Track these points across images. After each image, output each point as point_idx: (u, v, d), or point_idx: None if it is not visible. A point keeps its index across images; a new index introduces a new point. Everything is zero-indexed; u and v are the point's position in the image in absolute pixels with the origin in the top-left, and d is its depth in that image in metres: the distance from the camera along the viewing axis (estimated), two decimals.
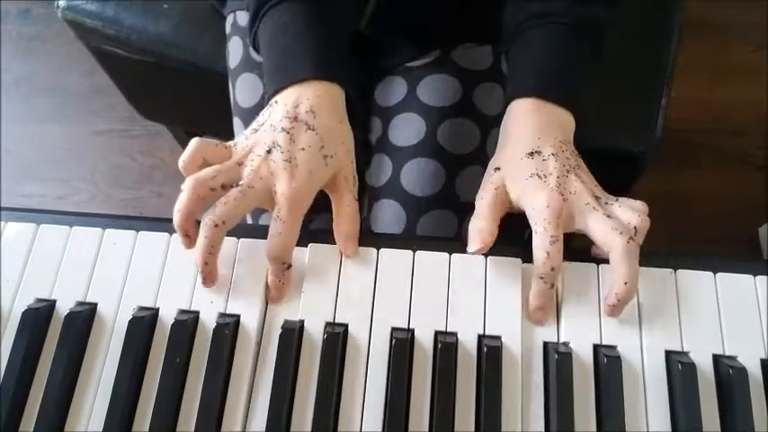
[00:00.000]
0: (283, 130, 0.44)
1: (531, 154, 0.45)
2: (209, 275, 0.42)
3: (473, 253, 0.43)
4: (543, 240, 0.41)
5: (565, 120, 0.48)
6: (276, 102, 0.47)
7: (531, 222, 0.43)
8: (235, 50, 0.67)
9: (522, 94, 0.49)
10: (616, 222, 0.41)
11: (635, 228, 0.41)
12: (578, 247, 0.44)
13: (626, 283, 0.40)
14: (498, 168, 0.47)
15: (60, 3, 0.84)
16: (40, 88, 1.45)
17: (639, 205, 0.44)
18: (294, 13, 0.49)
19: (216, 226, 0.41)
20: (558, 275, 0.41)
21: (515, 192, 0.45)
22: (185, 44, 0.81)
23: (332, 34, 0.50)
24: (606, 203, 0.43)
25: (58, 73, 1.46)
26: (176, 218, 0.42)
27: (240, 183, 0.42)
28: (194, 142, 0.44)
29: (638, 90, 0.79)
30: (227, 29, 0.70)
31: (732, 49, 1.42)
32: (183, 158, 0.44)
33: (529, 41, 0.51)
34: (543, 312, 0.42)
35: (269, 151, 0.43)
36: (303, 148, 0.44)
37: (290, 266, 0.42)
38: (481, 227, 0.43)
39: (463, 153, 0.61)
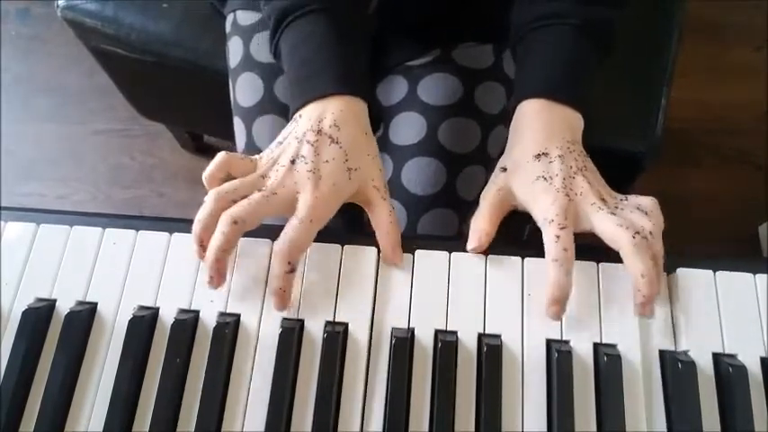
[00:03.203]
0: (308, 142, 0.44)
1: (538, 156, 0.45)
2: (217, 274, 0.41)
3: (470, 251, 0.43)
4: (552, 228, 0.41)
5: (573, 120, 0.48)
6: (300, 116, 0.47)
7: (538, 221, 0.43)
8: (235, 50, 0.67)
9: (530, 95, 0.48)
10: (621, 219, 0.41)
11: (650, 232, 0.41)
12: (578, 245, 0.44)
13: (643, 276, 0.39)
14: (505, 169, 0.47)
15: (60, 2, 0.84)
16: (39, 88, 1.45)
17: (649, 202, 0.44)
18: (315, 25, 0.49)
19: (235, 223, 0.40)
20: (572, 259, 0.41)
21: (522, 194, 0.45)
22: (185, 43, 0.82)
23: (353, 47, 0.50)
24: (616, 207, 0.43)
25: (57, 73, 1.46)
26: (196, 227, 0.42)
27: (264, 188, 0.43)
28: (220, 156, 0.44)
29: (638, 90, 0.79)
30: (228, 28, 0.70)
31: (732, 49, 1.42)
32: (208, 171, 0.44)
33: (536, 42, 0.51)
34: (560, 307, 0.41)
35: (293, 161, 0.44)
36: (327, 161, 0.44)
37: (293, 270, 0.42)
38: (480, 227, 0.44)
39: (464, 152, 0.61)
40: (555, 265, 0.41)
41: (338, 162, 0.44)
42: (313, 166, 0.43)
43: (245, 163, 0.45)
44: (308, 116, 0.46)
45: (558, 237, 0.41)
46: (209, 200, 0.42)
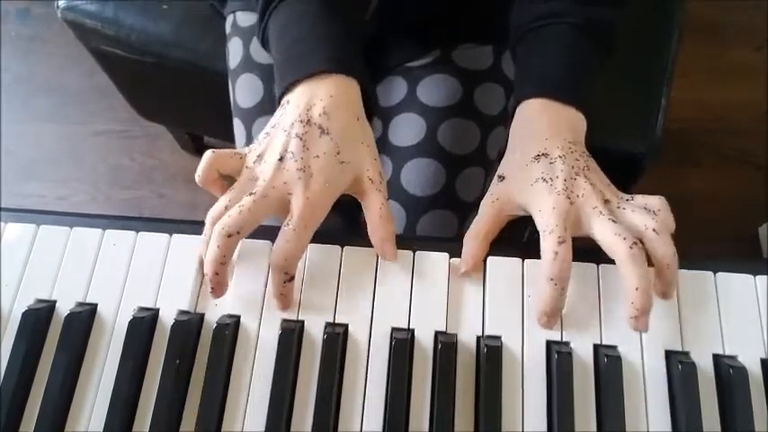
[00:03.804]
0: (296, 135, 0.42)
1: (537, 156, 0.44)
2: (218, 286, 0.41)
3: (461, 275, 0.43)
4: (551, 242, 0.40)
5: (575, 120, 0.47)
6: (288, 101, 0.45)
7: (539, 227, 0.42)
8: (235, 51, 0.67)
9: (530, 94, 0.48)
10: (621, 228, 0.40)
11: (653, 229, 0.40)
12: (578, 247, 0.44)
13: (637, 289, 0.38)
14: (503, 177, 0.46)
15: (60, 3, 0.85)
16: (40, 88, 1.46)
17: (657, 201, 0.43)
18: (306, 5, 0.47)
19: (229, 236, 0.39)
20: (567, 278, 0.40)
21: (522, 198, 0.44)
22: (185, 44, 0.82)
23: (346, 27, 0.48)
24: (618, 207, 0.42)
25: (58, 73, 1.47)
26: (201, 249, 0.42)
27: (254, 192, 0.41)
28: (207, 156, 0.43)
29: (638, 90, 0.79)
30: (227, 29, 0.70)
31: (732, 49, 1.42)
32: (198, 173, 0.43)
33: (536, 42, 0.50)
34: (552, 318, 0.41)
35: (281, 159, 0.42)
36: (318, 156, 0.42)
37: (292, 278, 0.41)
38: (470, 251, 0.43)
39: (463, 153, 0.61)
40: (550, 284, 0.40)
41: (329, 156, 0.42)
42: (303, 163, 0.41)
43: (234, 161, 0.43)
44: (295, 102, 0.44)
45: (556, 254, 0.40)
46: (207, 222, 0.42)
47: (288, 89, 0.45)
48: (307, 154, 0.42)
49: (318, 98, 0.44)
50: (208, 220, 0.42)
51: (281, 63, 0.47)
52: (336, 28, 0.47)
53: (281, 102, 0.46)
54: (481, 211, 0.45)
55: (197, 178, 0.43)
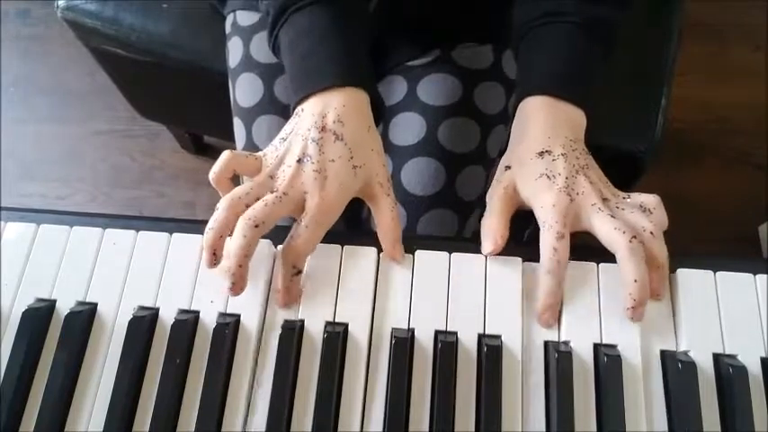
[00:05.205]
0: (312, 140, 0.44)
1: (541, 153, 0.45)
2: (240, 280, 0.41)
3: (488, 254, 0.43)
4: (550, 236, 0.42)
5: (576, 118, 0.48)
6: (303, 110, 0.46)
7: (539, 221, 0.43)
8: (234, 50, 0.67)
9: (533, 92, 0.48)
10: (620, 222, 0.41)
11: (650, 232, 0.41)
12: (578, 245, 0.44)
13: (636, 281, 0.40)
14: (508, 167, 0.47)
15: (60, 3, 0.84)
16: (40, 88, 1.45)
17: (652, 200, 0.44)
18: (316, 17, 0.48)
19: (256, 226, 0.40)
20: (564, 272, 0.41)
21: (525, 191, 0.45)
22: (185, 44, 0.82)
23: (355, 39, 0.49)
24: (617, 206, 0.43)
25: (58, 73, 1.47)
26: (209, 236, 0.41)
27: (275, 190, 0.42)
28: (225, 155, 0.44)
29: (638, 90, 0.79)
30: (227, 29, 0.70)
31: (732, 49, 1.42)
32: (214, 171, 0.44)
33: (540, 40, 0.51)
34: (551, 314, 0.42)
35: (299, 161, 0.43)
36: (333, 160, 0.44)
37: (300, 272, 0.42)
38: (493, 227, 0.44)
39: (463, 152, 0.61)
40: (548, 277, 0.41)
41: (344, 160, 0.44)
42: (319, 165, 0.43)
43: (251, 161, 0.45)
44: (310, 111, 0.46)
45: (555, 249, 0.41)
46: (222, 207, 0.42)
47: (301, 100, 0.47)
48: (323, 158, 0.43)
49: (332, 107, 0.45)
50: (224, 206, 0.42)
51: (293, 76, 0.49)
52: (344, 40, 0.48)
53: (296, 110, 0.47)
54: (493, 198, 0.46)
55: (211, 175, 0.44)
